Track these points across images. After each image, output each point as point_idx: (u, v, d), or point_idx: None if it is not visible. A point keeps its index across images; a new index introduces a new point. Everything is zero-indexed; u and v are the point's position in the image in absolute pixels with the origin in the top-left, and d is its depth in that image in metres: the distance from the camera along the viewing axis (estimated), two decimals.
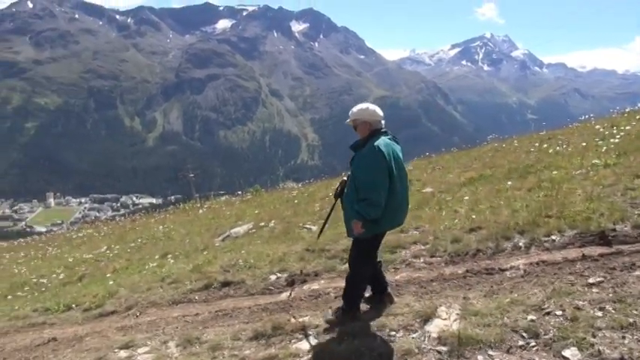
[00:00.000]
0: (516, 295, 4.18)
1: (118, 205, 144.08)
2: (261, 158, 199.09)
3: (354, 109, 4.10)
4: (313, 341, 4.11)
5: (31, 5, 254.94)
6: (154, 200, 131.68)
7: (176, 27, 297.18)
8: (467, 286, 4.68)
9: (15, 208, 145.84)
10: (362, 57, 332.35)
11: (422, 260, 5.64)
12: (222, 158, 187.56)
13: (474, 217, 6.61)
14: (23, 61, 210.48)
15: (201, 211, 13.98)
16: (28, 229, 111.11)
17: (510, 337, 3.51)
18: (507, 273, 4.84)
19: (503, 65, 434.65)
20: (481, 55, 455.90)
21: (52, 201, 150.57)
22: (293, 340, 4.22)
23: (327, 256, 6.31)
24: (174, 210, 16.87)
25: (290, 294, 5.35)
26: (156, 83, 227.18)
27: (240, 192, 21.26)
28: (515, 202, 6.82)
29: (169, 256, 8.70)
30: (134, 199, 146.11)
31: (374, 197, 3.74)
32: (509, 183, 8.24)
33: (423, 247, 5.98)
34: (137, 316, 5.76)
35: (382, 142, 3.88)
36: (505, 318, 3.76)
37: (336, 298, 4.95)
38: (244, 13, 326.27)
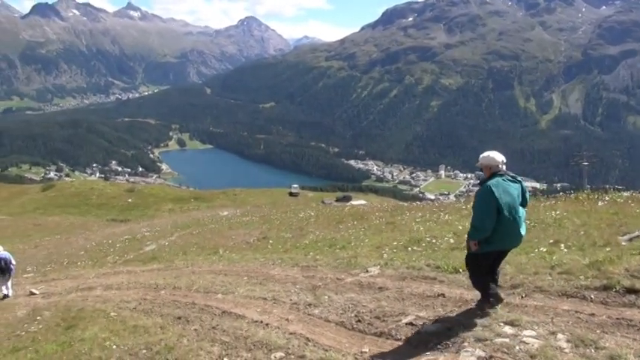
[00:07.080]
0: None
1: None
2: None
3: (481, 155, 5.08)
4: None
5: None
6: (537, 185, 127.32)
7: None
8: None
9: (413, 175, 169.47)
10: None
11: None
12: (627, 148, 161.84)
13: None
14: (436, 45, 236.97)
15: (600, 203, 12.38)
16: (420, 194, 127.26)
17: None
18: None
19: None
20: None
21: (442, 172, 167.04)
22: None
23: None
24: (564, 197, 15.58)
25: None
26: (558, 62, 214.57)
27: None
28: None
29: (562, 245, 8.08)
30: None
31: (478, 224, 4.84)
32: None
33: None
34: (522, 297, 5.68)
35: (494, 182, 4.85)
36: None
37: None
38: None
